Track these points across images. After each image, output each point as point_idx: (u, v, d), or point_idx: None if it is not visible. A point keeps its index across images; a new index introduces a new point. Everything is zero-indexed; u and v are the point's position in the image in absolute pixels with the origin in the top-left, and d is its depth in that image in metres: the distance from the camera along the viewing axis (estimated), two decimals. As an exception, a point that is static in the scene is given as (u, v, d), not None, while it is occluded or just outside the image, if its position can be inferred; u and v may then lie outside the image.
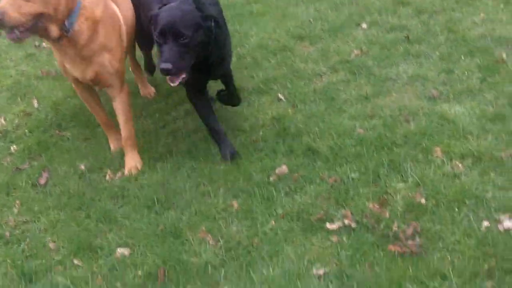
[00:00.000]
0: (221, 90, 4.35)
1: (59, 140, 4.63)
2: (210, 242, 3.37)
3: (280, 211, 3.53)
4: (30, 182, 4.15)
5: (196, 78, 3.86)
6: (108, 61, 3.87)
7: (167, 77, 3.65)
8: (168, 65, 3.50)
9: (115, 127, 4.34)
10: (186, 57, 3.59)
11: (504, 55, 4.79)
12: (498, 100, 4.26)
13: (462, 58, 4.87)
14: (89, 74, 3.88)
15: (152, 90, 5.11)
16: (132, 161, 4.14)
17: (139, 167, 4.12)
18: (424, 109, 4.27)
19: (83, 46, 3.75)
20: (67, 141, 4.61)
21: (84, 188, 4.00)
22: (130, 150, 4.17)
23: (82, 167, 4.22)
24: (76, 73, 3.90)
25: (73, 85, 4.23)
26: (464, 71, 4.66)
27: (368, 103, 4.48)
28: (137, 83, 5.13)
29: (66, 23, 3.63)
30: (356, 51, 5.21)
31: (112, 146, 4.40)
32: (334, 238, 3.26)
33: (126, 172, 4.09)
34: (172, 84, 3.65)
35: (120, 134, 4.26)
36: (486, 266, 2.95)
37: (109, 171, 4.13)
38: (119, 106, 4.09)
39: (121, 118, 4.13)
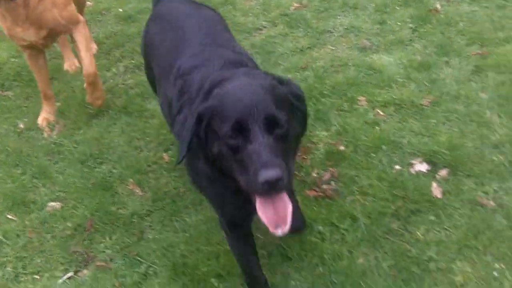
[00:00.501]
0: None
1: (1, 99, 4.69)
2: (139, 193, 3.50)
3: (207, 161, 3.64)
4: (-30, 141, 4.24)
5: (243, 203, 2.28)
6: (58, 15, 3.85)
7: (268, 221, 2.06)
8: (277, 172, 1.93)
9: (53, 101, 4.36)
10: (286, 161, 2.07)
11: (438, 5, 4.89)
12: (426, 49, 4.38)
13: (397, 8, 4.96)
14: (43, 32, 3.86)
15: (75, 63, 4.95)
16: (97, 95, 4.17)
17: (103, 98, 4.22)
18: (354, 60, 4.37)
19: (36, 5, 3.73)
20: (9, 100, 4.67)
21: (22, 145, 4.09)
22: (92, 87, 4.10)
23: (22, 125, 4.30)
24: (30, 35, 3.86)
25: (24, 52, 4.22)
26: (397, 22, 4.76)
27: (304, 55, 4.57)
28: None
29: None
30: (296, 4, 5.27)
31: (40, 119, 4.31)
32: (254, 186, 3.38)
33: (99, 103, 4.19)
34: (280, 233, 2.05)
35: (53, 114, 4.31)
36: (393, 207, 3.12)
37: (46, 128, 4.21)
38: (78, 38, 4.02)
39: (80, 48, 4.03)
